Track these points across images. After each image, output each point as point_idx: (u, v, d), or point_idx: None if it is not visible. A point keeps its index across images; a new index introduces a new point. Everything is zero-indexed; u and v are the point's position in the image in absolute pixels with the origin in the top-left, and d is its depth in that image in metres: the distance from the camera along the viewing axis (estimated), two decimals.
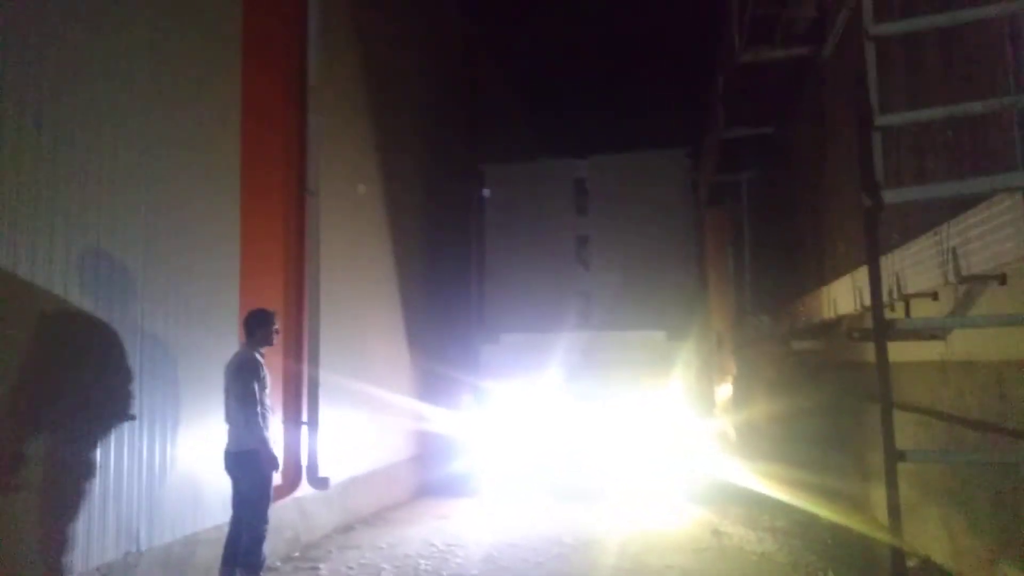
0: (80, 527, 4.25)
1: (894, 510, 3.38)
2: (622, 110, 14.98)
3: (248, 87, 6.02)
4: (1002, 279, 4.47)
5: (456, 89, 11.84)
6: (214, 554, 4.99)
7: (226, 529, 5.00)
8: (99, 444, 4.43)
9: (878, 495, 7.18)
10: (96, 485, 4.37)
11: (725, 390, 16.01)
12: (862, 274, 6.40)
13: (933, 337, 5.77)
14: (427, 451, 9.33)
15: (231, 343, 5.57)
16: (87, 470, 4.33)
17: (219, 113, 5.73)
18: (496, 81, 13.85)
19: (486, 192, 9.51)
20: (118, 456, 4.57)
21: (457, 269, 10.38)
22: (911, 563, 5.78)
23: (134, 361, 4.73)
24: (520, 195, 9.49)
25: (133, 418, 4.71)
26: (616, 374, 8.49)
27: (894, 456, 3.23)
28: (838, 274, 7.49)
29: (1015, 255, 3.88)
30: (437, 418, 9.14)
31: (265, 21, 6.37)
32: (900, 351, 6.70)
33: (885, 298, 5.72)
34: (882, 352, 3.42)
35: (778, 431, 10.57)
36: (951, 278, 4.57)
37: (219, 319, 5.59)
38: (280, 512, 6.36)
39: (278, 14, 6.65)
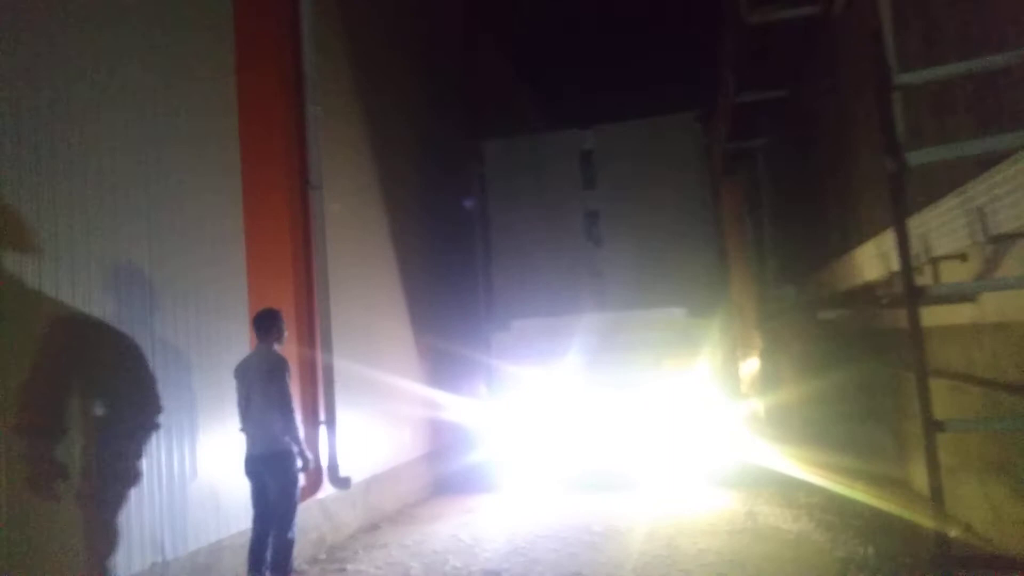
0: (107, 539, 4.21)
1: (936, 486, 3.21)
2: (628, 79, 14.47)
3: (243, 81, 5.92)
4: None
5: (454, 65, 11.51)
6: (239, 560, 4.95)
7: (249, 535, 4.94)
8: (123, 454, 4.38)
9: (916, 468, 6.99)
10: (122, 496, 4.33)
11: (751, 366, 15.78)
12: (887, 238, 6.18)
13: (963, 299, 5.55)
14: (444, 445, 9.18)
15: (243, 344, 5.50)
16: (114, 482, 4.29)
17: (215, 109, 5.64)
18: (496, 54, 13.39)
19: (485, 170, 9.05)
20: (141, 465, 4.52)
21: (463, 254, 9.97)
22: (953, 533, 5.59)
23: (150, 367, 4.68)
24: (523, 171, 8.94)
25: (158, 427, 4.67)
26: (636, 356, 8.08)
27: (933, 427, 3.06)
28: (862, 239, 7.26)
29: None
30: (453, 410, 8.88)
31: (257, 10, 6.25)
32: (930, 315, 6.46)
33: (912, 262, 5.51)
34: (915, 319, 3.24)
35: (808, 408, 10.29)
36: (979, 238, 4.35)
37: (230, 319, 5.53)
38: (303, 514, 6.29)
39: (270, 3, 6.54)
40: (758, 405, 13.94)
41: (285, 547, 4.87)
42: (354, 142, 7.86)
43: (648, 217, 8.50)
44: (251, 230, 5.85)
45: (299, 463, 5.01)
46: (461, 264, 9.99)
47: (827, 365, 9.61)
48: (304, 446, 5.00)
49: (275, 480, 4.89)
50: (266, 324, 5.08)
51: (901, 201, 3.28)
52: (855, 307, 7.31)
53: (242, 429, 5.00)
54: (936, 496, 3.13)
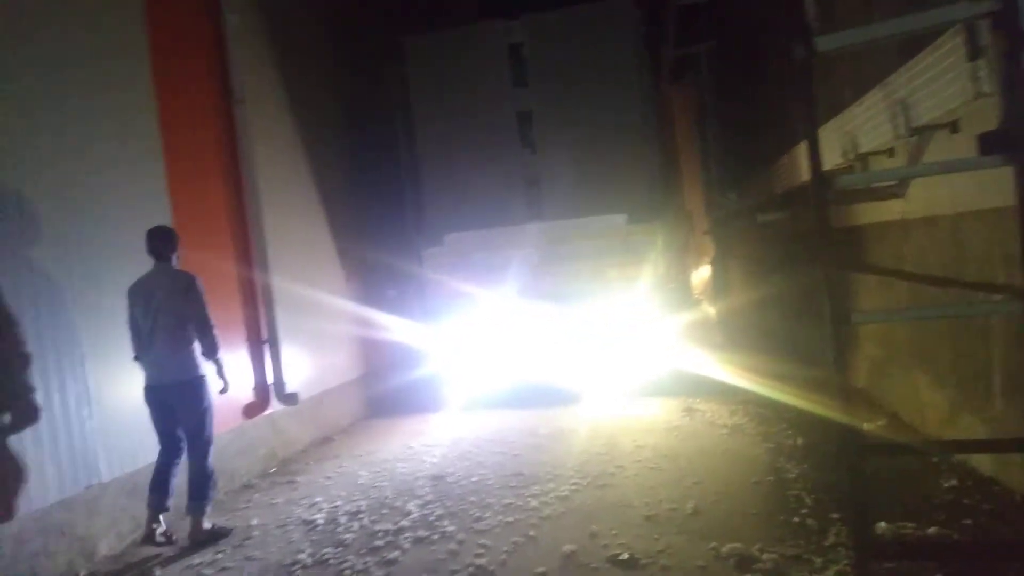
0: (32, 464, 4.20)
1: (841, 381, 3.33)
2: None
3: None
4: (954, 126, 4.30)
5: None
6: (180, 477, 4.96)
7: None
8: (43, 383, 4.32)
9: (851, 366, 7.24)
10: (44, 423, 4.30)
11: (703, 272, 16.04)
12: (820, 135, 6.18)
13: (893, 196, 5.65)
14: (387, 364, 8.99)
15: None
16: (32, 410, 4.25)
17: (123, 23, 5.33)
18: None
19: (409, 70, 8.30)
20: (66, 394, 4.47)
21: (390, 164, 9.14)
22: (880, 422, 5.86)
23: (70, 296, 4.56)
24: (448, 70, 8.19)
25: (82, 356, 4.59)
26: (577, 267, 7.82)
27: (839, 319, 3.14)
28: (796, 141, 7.27)
29: (962, 99, 3.67)
30: (392, 329, 8.58)
31: None
32: (863, 213, 6.61)
33: (841, 158, 5.55)
34: (822, 212, 3.27)
35: (756, 313, 10.49)
36: (902, 131, 4.37)
37: None
38: (252, 431, 6.39)
39: None
40: (710, 311, 14.25)
41: (206, 475, 4.74)
42: (273, 54, 7.38)
43: (585, 118, 7.92)
44: (173, 147, 5.64)
45: (221, 385, 4.91)
46: (389, 176, 9.21)
47: (772, 269, 9.79)
48: (224, 367, 4.87)
49: (190, 409, 4.70)
50: (165, 240, 4.74)
51: (808, 88, 3.26)
52: (789, 208, 7.38)
53: (139, 357, 4.74)
54: (842, 389, 3.24)
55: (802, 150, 7.06)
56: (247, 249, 6.48)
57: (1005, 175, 3.11)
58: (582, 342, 7.80)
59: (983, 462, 4.49)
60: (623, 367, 7.90)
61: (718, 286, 14.80)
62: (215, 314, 4.83)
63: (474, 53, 8.17)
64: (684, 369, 8.35)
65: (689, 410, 7.00)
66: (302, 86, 7.81)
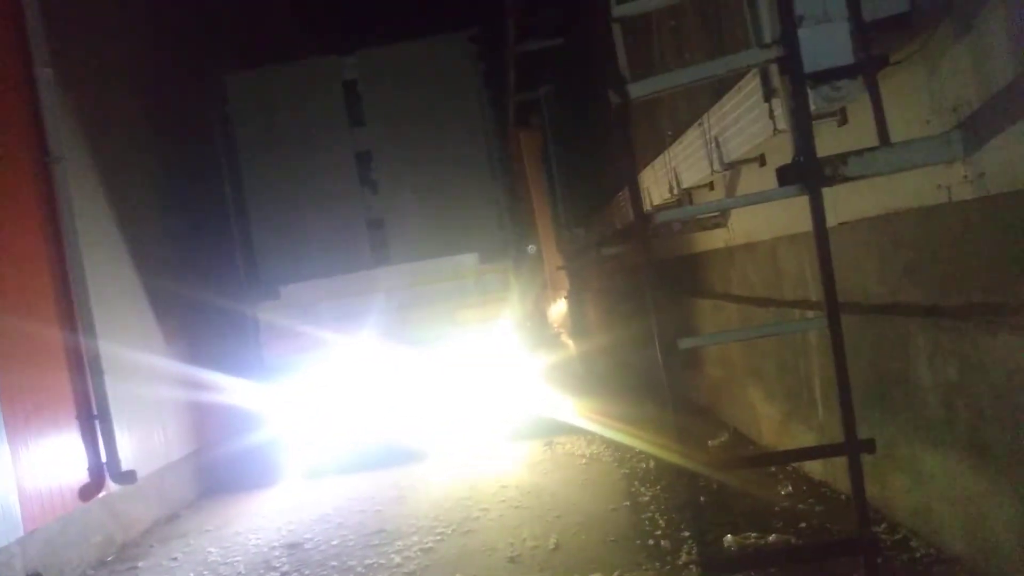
0: None
1: (674, 404, 3.49)
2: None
3: None
4: (762, 160, 4.69)
5: None
6: None
7: None
8: None
9: (695, 383, 7.63)
10: None
11: (560, 308, 16.46)
12: (649, 173, 6.58)
13: (717, 225, 6.07)
14: (230, 431, 8.14)
15: None
16: None
17: None
18: None
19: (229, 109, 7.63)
20: None
21: (217, 215, 8.22)
22: (722, 438, 6.19)
23: None
24: (276, 108, 7.64)
25: None
26: (428, 311, 7.49)
27: (668, 348, 3.30)
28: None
29: (763, 136, 4.02)
30: (232, 390, 7.74)
31: None
32: (696, 242, 7.05)
33: (668, 193, 5.91)
34: (646, 245, 3.45)
35: (610, 345, 10.67)
36: (716, 167, 4.72)
37: None
38: (85, 517, 5.83)
39: None
40: (569, 344, 14.59)
41: None
42: (91, 106, 6.82)
43: (428, 155, 7.63)
44: None
45: None
46: (214, 230, 8.34)
47: (620, 300, 10.20)
48: None
49: None
50: None
51: (627, 133, 3.45)
52: (627, 242, 7.75)
53: None
54: (675, 412, 3.40)
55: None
56: (71, 316, 5.98)
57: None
58: (439, 389, 7.48)
59: (814, 468, 4.83)
60: (484, 412, 7.64)
61: (575, 319, 15.22)
62: (36, 386, 4.40)
63: (305, 90, 7.72)
64: (544, 412, 8.04)
65: (550, 444, 7.09)
66: (118, 135, 7.23)
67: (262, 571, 4.95)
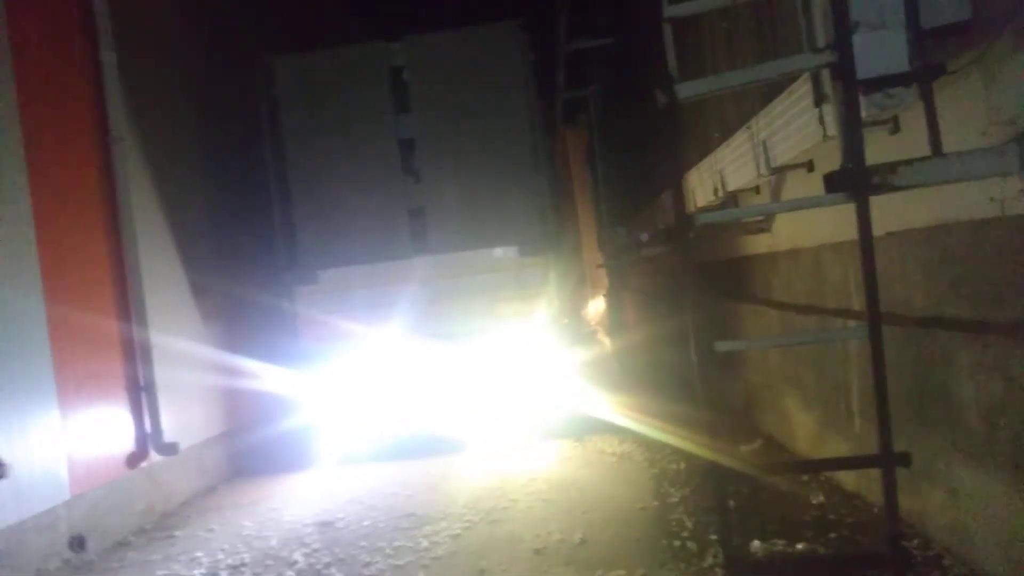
0: None
1: (705, 410, 3.50)
2: None
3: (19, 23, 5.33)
4: (809, 166, 4.64)
5: None
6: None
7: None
8: None
9: (731, 389, 7.57)
10: None
11: (599, 306, 16.44)
12: (694, 174, 6.54)
13: (761, 230, 6.01)
14: (266, 414, 8.11)
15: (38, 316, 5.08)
16: None
17: None
18: None
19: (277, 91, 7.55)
20: None
21: (259, 197, 8.12)
22: (755, 444, 6.14)
23: None
24: (322, 93, 7.59)
25: None
26: (465, 303, 7.42)
27: (702, 349, 3.30)
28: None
29: (812, 141, 3.98)
30: (269, 376, 7.66)
31: None
32: (738, 247, 6.99)
33: (712, 196, 5.88)
34: (686, 247, 3.46)
35: (646, 345, 10.65)
36: (763, 171, 4.69)
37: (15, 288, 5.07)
38: (127, 485, 6.03)
39: None
40: (606, 343, 14.57)
41: None
42: (144, 88, 6.91)
43: (471, 146, 7.49)
44: (41, 188, 5.35)
45: None
46: (256, 212, 8.26)
47: (659, 301, 10.17)
48: None
49: None
50: None
51: (678, 131, 3.46)
52: (668, 242, 7.71)
53: None
54: (710, 416, 3.41)
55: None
56: (123, 290, 6.19)
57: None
58: (474, 382, 7.42)
59: (847, 478, 4.77)
60: (518, 406, 7.55)
61: (613, 318, 15.19)
62: (87, 356, 4.57)
63: (351, 75, 7.61)
64: (578, 411, 7.98)
65: (581, 440, 7.10)
66: (167, 117, 7.34)
67: (294, 546, 5.06)
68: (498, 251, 7.51)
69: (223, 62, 8.54)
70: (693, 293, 3.42)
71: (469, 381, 7.41)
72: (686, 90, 3.27)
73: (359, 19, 12.86)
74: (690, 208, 6.72)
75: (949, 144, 3.01)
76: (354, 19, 12.86)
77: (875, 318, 3.05)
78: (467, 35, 7.66)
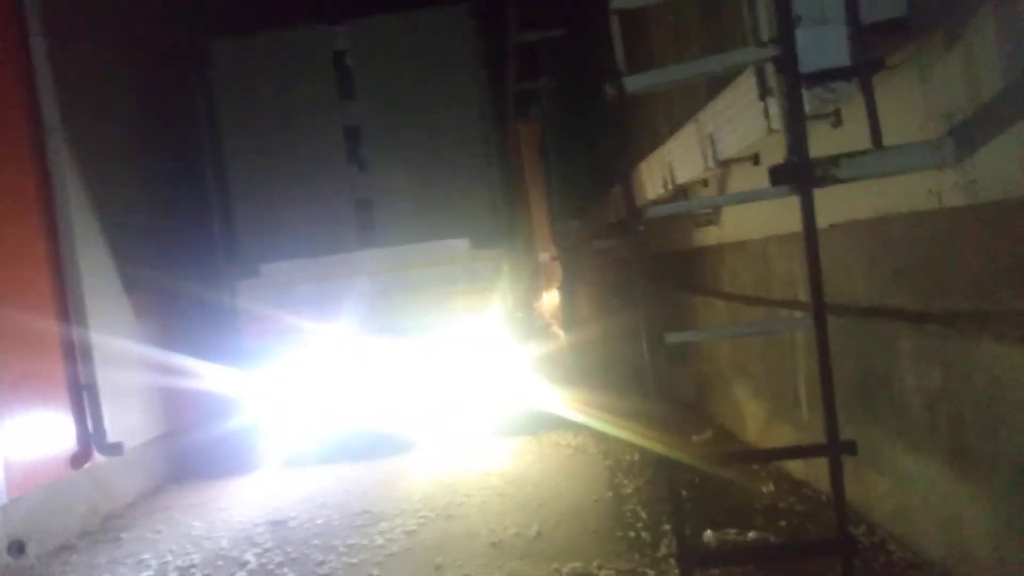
0: None
1: (659, 395, 3.52)
2: None
3: None
4: (755, 159, 4.70)
5: None
6: None
7: None
8: None
9: (683, 380, 7.67)
10: None
11: (553, 299, 16.48)
12: (644, 168, 6.59)
13: (710, 223, 6.09)
14: (209, 414, 7.84)
15: None
16: None
17: None
18: None
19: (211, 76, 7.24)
20: None
21: (196, 187, 7.84)
22: (706, 434, 6.23)
23: None
24: (262, 78, 7.29)
25: None
26: (415, 296, 7.21)
27: (655, 342, 3.32)
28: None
29: (760, 134, 4.02)
30: (211, 376, 7.36)
31: None
32: (688, 239, 7.08)
33: (661, 189, 5.92)
34: (635, 241, 3.46)
35: (600, 339, 10.65)
36: (711, 164, 4.73)
37: None
38: (69, 487, 5.85)
39: None
40: (560, 336, 14.61)
41: None
42: (75, 76, 6.48)
43: (420, 134, 7.27)
44: None
45: None
46: (193, 205, 7.94)
47: (612, 294, 10.23)
48: None
49: None
50: None
51: (625, 126, 3.46)
52: (620, 235, 7.76)
53: None
54: (661, 409, 3.44)
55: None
56: (60, 286, 5.98)
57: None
58: (425, 378, 7.23)
59: (795, 467, 4.87)
60: (471, 402, 7.40)
61: (567, 311, 15.24)
62: (23, 355, 4.40)
63: (292, 60, 7.33)
64: (533, 406, 7.83)
65: (536, 434, 7.12)
66: (97, 104, 6.92)
67: (245, 546, 4.97)
68: (449, 243, 7.31)
69: (156, 47, 8.06)
70: (644, 285, 3.43)
71: (421, 378, 7.24)
72: (633, 83, 3.27)
73: (300, 1, 12.35)
74: (640, 201, 6.76)
75: (889, 137, 3.07)
76: (296, 1, 12.39)
77: (820, 309, 3.10)
78: (413, 18, 7.43)
